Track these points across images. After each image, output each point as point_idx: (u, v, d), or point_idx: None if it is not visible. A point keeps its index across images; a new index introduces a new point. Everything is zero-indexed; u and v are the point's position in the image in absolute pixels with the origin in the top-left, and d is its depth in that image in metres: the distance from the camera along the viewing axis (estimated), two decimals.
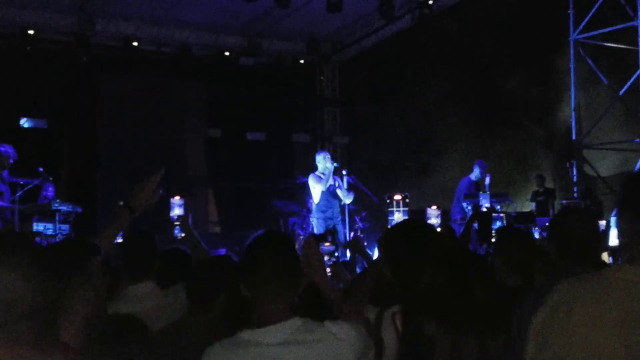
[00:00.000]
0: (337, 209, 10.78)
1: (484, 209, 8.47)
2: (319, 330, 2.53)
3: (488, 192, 10.94)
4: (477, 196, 11.62)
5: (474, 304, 1.89)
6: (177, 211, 4.57)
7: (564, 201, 13.05)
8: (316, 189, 10.62)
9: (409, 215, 10.40)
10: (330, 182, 10.65)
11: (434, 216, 8.91)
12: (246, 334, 2.51)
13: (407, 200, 10.03)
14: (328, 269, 3.52)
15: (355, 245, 5.15)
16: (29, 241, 1.60)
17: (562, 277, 2.15)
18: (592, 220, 3.41)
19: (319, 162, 10.75)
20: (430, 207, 9.07)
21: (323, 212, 10.59)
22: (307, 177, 10.97)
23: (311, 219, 11.00)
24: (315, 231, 10.69)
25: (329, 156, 10.83)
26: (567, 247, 3.25)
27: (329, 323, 2.57)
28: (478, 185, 12.40)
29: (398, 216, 10.35)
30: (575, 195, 12.50)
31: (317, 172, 10.73)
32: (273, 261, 2.56)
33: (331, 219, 10.60)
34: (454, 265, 2.03)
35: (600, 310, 1.97)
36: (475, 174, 12.38)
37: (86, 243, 2.74)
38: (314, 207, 10.81)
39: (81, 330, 2.47)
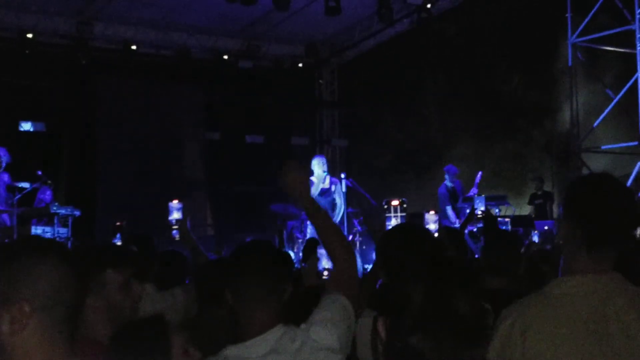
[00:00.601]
0: (329, 213, 10.74)
1: (479, 213, 8.49)
2: (300, 337, 2.53)
3: (483, 195, 10.93)
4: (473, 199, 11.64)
5: (457, 314, 1.88)
6: (175, 215, 4.60)
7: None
8: None
9: (406, 218, 10.38)
10: (326, 185, 10.60)
11: (432, 221, 8.91)
12: (231, 350, 2.49)
13: (405, 205, 10.03)
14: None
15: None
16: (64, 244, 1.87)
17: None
18: None
19: (313, 167, 10.71)
20: (428, 212, 9.06)
21: None
22: None
23: (308, 221, 10.99)
24: (309, 234, 10.64)
25: (323, 161, 10.75)
26: None
27: (310, 327, 2.57)
28: (455, 190, 12.38)
29: (395, 222, 10.30)
30: None
31: (311, 177, 10.68)
32: (255, 268, 2.57)
33: None
34: (438, 274, 2.02)
35: (548, 328, 2.04)
36: (447, 181, 12.41)
37: (105, 253, 2.75)
38: None
39: (100, 334, 2.54)
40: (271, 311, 2.54)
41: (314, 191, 10.53)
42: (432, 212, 9.43)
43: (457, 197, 12.35)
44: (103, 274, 2.58)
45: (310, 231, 10.65)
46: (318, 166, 10.62)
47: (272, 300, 2.56)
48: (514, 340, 2.06)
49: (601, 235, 2.10)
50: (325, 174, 10.64)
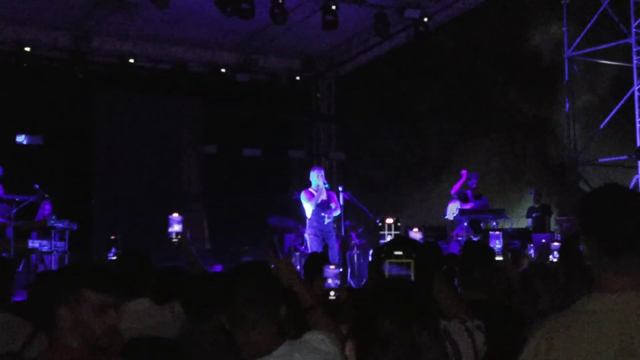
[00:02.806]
0: (329, 224, 10.75)
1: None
2: (304, 349, 2.55)
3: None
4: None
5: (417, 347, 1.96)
6: (175, 228, 4.60)
7: (559, 217, 13.08)
8: (307, 206, 10.64)
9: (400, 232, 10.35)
10: (323, 197, 10.62)
11: (417, 239, 8.87)
12: None
13: (399, 224, 10.07)
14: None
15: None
16: None
17: (573, 299, 2.17)
18: None
19: (312, 178, 10.75)
20: (412, 229, 9.01)
21: (314, 227, 10.60)
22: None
23: (305, 234, 11.02)
24: (309, 246, 10.70)
25: (322, 173, 10.81)
26: (578, 270, 3.22)
27: (310, 336, 2.60)
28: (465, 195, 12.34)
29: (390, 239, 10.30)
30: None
31: (309, 189, 10.73)
32: (246, 292, 2.60)
33: (322, 233, 10.58)
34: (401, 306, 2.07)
35: (575, 345, 2.01)
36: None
37: (90, 271, 2.76)
38: (306, 222, 10.84)
39: (69, 343, 2.57)
40: (268, 332, 2.56)
41: (315, 205, 10.52)
42: (415, 230, 9.37)
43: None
44: (80, 290, 2.59)
45: (311, 245, 10.64)
46: (318, 178, 10.65)
47: (266, 322, 2.57)
48: (541, 352, 2.05)
49: (623, 243, 2.07)
50: (326, 186, 10.65)
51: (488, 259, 4.09)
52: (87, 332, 2.59)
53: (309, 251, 10.50)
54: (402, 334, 1.92)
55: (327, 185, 10.75)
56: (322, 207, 10.64)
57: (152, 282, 4.07)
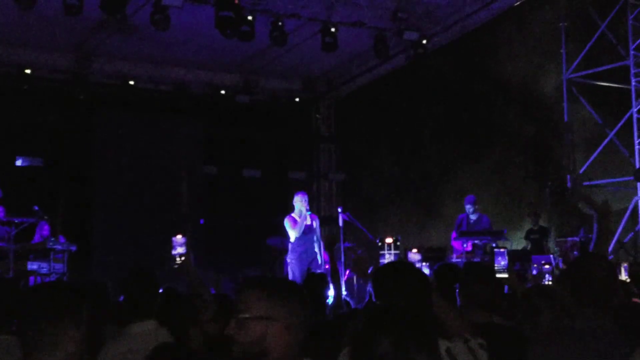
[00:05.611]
0: (312, 247, 10.64)
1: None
2: None
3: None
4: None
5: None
6: (179, 250, 4.55)
7: (559, 239, 13.07)
8: (291, 232, 10.54)
9: (399, 255, 10.32)
10: (307, 222, 10.57)
11: (416, 260, 8.84)
12: None
13: (398, 243, 10.01)
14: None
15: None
16: None
17: (577, 319, 2.16)
18: (611, 266, 3.42)
19: (295, 203, 10.65)
20: (411, 250, 8.95)
21: (297, 251, 10.50)
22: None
23: (287, 258, 10.85)
24: (290, 271, 10.56)
25: (306, 198, 10.72)
26: (586, 292, 3.22)
27: None
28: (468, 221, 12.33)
29: (388, 259, 10.27)
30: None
31: (292, 214, 10.62)
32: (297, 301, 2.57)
33: (306, 258, 10.51)
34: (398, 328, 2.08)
35: None
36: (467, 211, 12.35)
37: (80, 287, 2.73)
38: (289, 247, 10.71)
39: None
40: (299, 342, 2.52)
41: (299, 233, 10.44)
42: (414, 251, 9.31)
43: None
44: (80, 306, 2.55)
45: (293, 270, 10.55)
46: (301, 203, 10.58)
47: (299, 331, 2.54)
48: None
49: None
50: (309, 212, 10.59)
51: (489, 278, 4.09)
52: (93, 344, 2.60)
53: (290, 276, 10.39)
54: (399, 354, 1.92)
55: (309, 212, 10.64)
56: (306, 232, 10.57)
57: (158, 304, 4.06)
